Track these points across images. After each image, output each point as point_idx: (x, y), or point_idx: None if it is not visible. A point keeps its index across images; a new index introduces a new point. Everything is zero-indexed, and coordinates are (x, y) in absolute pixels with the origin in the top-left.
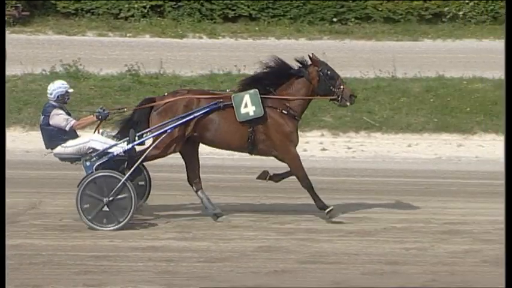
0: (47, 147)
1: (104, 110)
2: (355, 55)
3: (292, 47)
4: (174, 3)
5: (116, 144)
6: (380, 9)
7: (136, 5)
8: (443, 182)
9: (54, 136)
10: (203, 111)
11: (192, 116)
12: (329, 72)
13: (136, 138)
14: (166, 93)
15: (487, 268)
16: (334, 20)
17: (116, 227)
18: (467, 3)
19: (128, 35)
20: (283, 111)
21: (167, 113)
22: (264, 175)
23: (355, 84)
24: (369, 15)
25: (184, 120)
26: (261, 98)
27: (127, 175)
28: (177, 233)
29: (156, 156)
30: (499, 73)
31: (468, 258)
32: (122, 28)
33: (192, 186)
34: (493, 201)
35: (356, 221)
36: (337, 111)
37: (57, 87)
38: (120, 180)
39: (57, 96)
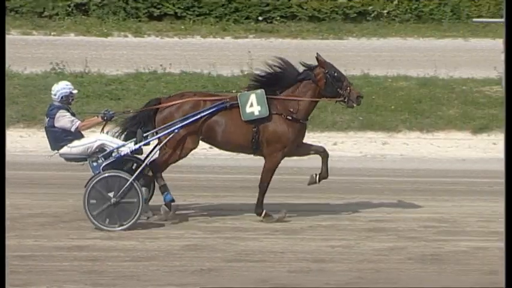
0: (52, 149)
1: (108, 111)
2: (280, 54)
3: (217, 46)
4: (99, 1)
5: (123, 145)
6: (305, 7)
7: (60, 4)
8: (369, 179)
9: (59, 137)
10: (210, 111)
11: (198, 116)
12: (336, 74)
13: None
14: (171, 95)
15: (412, 265)
16: (260, 18)
17: (118, 228)
18: (392, 2)
19: (52, 33)
20: (288, 117)
21: (173, 114)
22: (312, 179)
23: None
24: (294, 13)
25: (190, 120)
26: (267, 99)
27: (133, 176)
28: (103, 232)
29: (173, 160)
30: (423, 71)
31: (393, 255)
32: (46, 27)
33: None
34: (417, 198)
35: (282, 219)
36: None
37: (61, 88)
38: (134, 186)
39: (61, 97)
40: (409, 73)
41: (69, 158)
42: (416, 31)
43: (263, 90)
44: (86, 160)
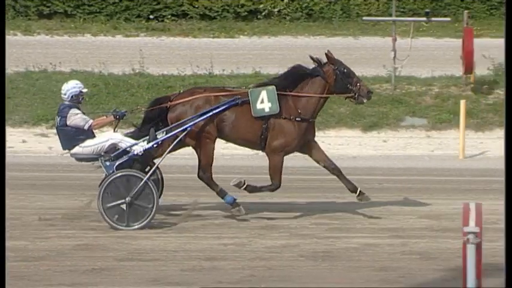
0: (64, 148)
1: (117, 110)
2: (172, 52)
3: (108, 44)
4: None
5: (135, 144)
6: (196, 6)
7: None
8: (259, 177)
9: (72, 137)
10: (222, 108)
11: (211, 113)
12: (345, 70)
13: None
14: (181, 91)
15: (304, 262)
16: (151, 17)
17: (123, 227)
18: (282, 1)
19: None
20: (296, 118)
21: (186, 112)
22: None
23: (172, 81)
24: (185, 12)
25: (203, 117)
26: (278, 95)
27: (144, 176)
28: None
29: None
30: None
31: (285, 253)
32: None
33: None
34: (307, 196)
35: (174, 218)
36: None
37: (71, 87)
38: (153, 193)
39: (71, 96)
40: None
41: (80, 158)
42: (307, 29)
43: (274, 86)
44: (97, 160)
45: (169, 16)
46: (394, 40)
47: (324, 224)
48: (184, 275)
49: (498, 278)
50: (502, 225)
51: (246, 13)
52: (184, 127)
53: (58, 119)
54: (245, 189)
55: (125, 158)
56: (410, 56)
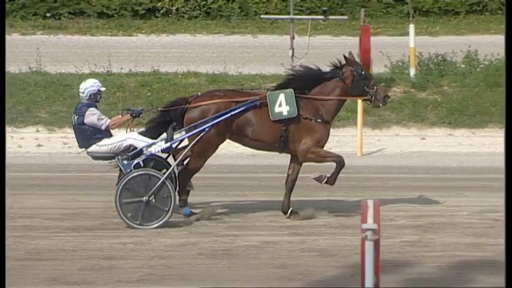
0: (80, 147)
1: (131, 108)
2: (69, 50)
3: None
4: None
5: (153, 143)
6: (93, 4)
7: None
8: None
9: (89, 136)
10: (239, 110)
11: (228, 115)
12: (363, 72)
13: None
14: (199, 94)
15: (203, 260)
16: (48, 14)
17: (137, 226)
18: None
19: None
20: (317, 119)
21: (203, 114)
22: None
23: (70, 80)
24: (83, 10)
25: (220, 119)
26: (296, 98)
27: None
28: None
29: (199, 163)
30: (213, 67)
31: (185, 251)
32: None
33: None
34: (207, 194)
35: (72, 217)
36: (51, 106)
37: (89, 86)
38: (171, 196)
39: (90, 95)
40: (199, 69)
41: (97, 157)
42: (205, 28)
43: (292, 89)
44: (114, 158)
45: (66, 14)
46: (292, 38)
47: (224, 222)
48: (83, 274)
49: (396, 274)
50: (400, 221)
51: (144, 11)
52: (201, 129)
53: (76, 118)
54: (326, 182)
55: (142, 157)
56: (308, 54)
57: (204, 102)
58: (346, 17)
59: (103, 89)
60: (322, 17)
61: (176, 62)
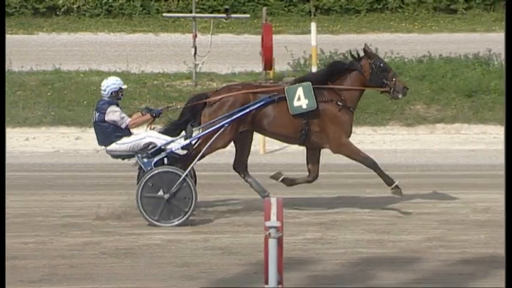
0: (100, 144)
1: (150, 108)
2: None
3: None
4: None
5: (173, 140)
6: None
7: None
8: (62, 175)
9: (109, 133)
10: (258, 104)
11: (248, 110)
12: (382, 65)
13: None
14: (218, 89)
15: (106, 260)
16: None
17: (154, 222)
18: None
19: None
20: (339, 102)
21: (223, 108)
22: (277, 175)
23: None
24: None
25: (240, 114)
26: (315, 89)
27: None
28: None
29: (210, 151)
30: (115, 66)
31: (87, 250)
32: None
33: (238, 172)
34: (114, 192)
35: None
36: None
37: (111, 83)
38: (193, 198)
39: (111, 93)
40: (101, 68)
41: (116, 155)
42: (107, 26)
43: (309, 82)
44: (133, 157)
45: None
46: (195, 37)
47: (127, 220)
48: None
49: (299, 271)
50: (303, 219)
51: (44, 9)
52: (220, 124)
53: (96, 115)
54: (394, 192)
55: (162, 154)
56: (210, 53)
57: (222, 96)
58: (248, 16)
59: (124, 86)
60: (224, 15)
61: (78, 61)
